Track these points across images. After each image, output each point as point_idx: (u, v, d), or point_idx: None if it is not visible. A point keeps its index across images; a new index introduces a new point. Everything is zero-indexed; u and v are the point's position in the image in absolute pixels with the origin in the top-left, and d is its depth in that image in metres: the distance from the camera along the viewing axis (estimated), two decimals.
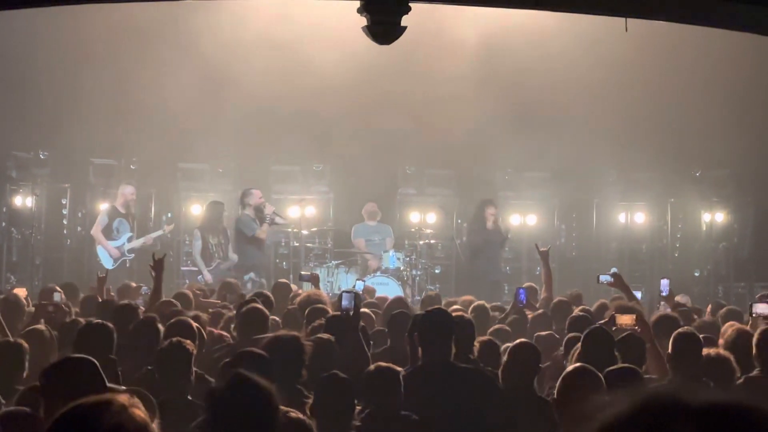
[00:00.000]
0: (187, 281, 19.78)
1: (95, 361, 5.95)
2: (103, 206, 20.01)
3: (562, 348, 9.51)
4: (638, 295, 12.72)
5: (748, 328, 9.55)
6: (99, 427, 3.49)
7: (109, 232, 19.27)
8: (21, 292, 12.93)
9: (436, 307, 8.95)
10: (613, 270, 14.96)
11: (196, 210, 21.35)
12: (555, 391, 6.40)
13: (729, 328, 9.52)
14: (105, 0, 11.49)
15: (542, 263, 14.49)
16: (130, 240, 19.32)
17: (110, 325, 8.31)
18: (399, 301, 12.34)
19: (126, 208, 19.42)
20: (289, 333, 7.89)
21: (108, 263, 19.08)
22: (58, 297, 11.73)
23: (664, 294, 12.84)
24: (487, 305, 12.49)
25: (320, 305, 10.13)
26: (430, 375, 7.44)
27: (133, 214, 19.67)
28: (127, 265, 19.57)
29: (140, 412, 3.59)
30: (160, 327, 8.71)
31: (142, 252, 19.19)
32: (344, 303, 8.99)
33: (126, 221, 19.37)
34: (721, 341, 9.40)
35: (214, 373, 7.56)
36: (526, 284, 14.82)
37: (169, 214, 21.83)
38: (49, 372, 5.85)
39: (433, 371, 7.47)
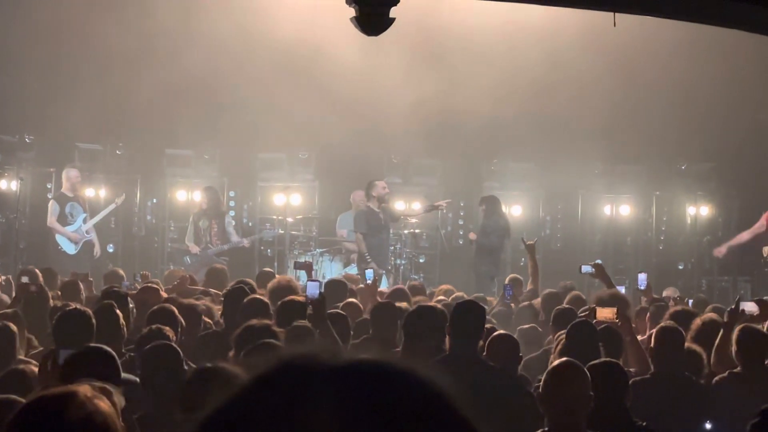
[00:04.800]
0: (171, 266, 19.81)
1: (113, 353, 5.99)
2: (50, 195, 20.19)
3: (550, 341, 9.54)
4: (622, 289, 12.75)
5: (715, 317, 9.65)
6: (65, 419, 3.45)
7: (64, 219, 19.31)
8: None
9: (470, 300, 8.98)
10: (597, 261, 15.03)
11: (182, 196, 21.37)
12: (540, 385, 6.43)
13: (699, 319, 9.60)
14: None
15: (528, 256, 14.49)
16: (85, 221, 19.35)
17: (89, 311, 8.32)
18: (400, 293, 12.40)
19: (73, 191, 19.43)
20: (261, 321, 7.91)
21: (70, 249, 19.16)
22: (33, 279, 11.67)
23: (641, 288, 12.93)
24: (466, 296, 12.55)
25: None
26: (457, 367, 7.49)
27: (83, 195, 19.67)
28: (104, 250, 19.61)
29: (105, 403, 3.56)
30: (119, 312, 8.68)
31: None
32: (309, 292, 8.98)
33: (77, 204, 19.40)
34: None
35: (198, 360, 7.56)
36: (510, 276, 14.83)
37: (154, 200, 21.82)
38: (71, 359, 5.88)
39: (460, 364, 7.52)
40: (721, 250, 19.55)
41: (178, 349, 7.06)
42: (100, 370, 5.54)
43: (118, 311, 8.62)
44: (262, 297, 9.80)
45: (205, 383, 5.21)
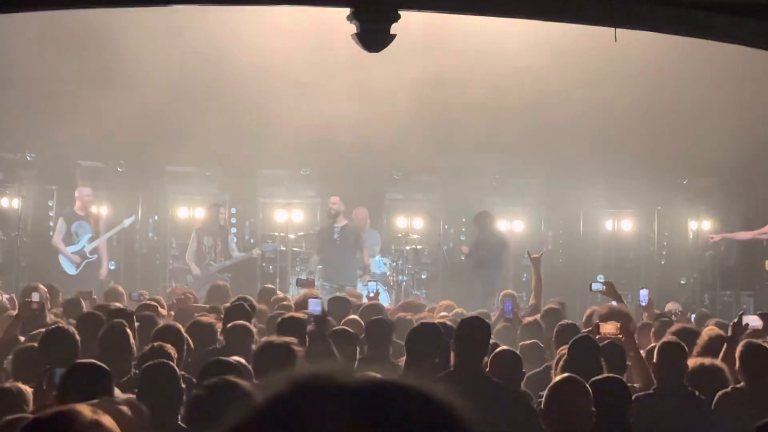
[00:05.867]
0: (173, 283, 19.79)
1: (106, 368, 5.98)
2: (52, 213, 20.19)
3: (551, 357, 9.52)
4: None
5: (721, 332, 9.64)
6: None
7: (69, 238, 19.31)
8: None
9: (476, 316, 8.99)
10: (601, 277, 15.00)
11: (183, 213, 21.37)
12: (542, 401, 6.42)
13: (705, 334, 9.59)
14: (98, 4, 11.47)
15: (533, 270, 14.44)
16: (90, 241, 19.32)
17: (72, 329, 8.33)
18: (375, 308, 12.34)
19: (84, 210, 19.43)
20: (281, 339, 7.84)
21: (70, 269, 19.13)
22: (37, 296, 11.63)
23: (643, 304, 12.90)
24: (466, 312, 12.55)
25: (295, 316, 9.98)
26: (462, 383, 7.46)
27: (94, 214, 19.65)
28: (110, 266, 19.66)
29: (108, 422, 3.54)
30: (129, 332, 8.66)
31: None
32: (311, 308, 8.95)
33: (86, 223, 19.38)
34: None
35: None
36: (504, 291, 14.79)
37: (156, 217, 21.82)
38: (63, 376, 5.87)
39: (464, 379, 7.51)
40: (714, 237, 19.84)
41: (175, 367, 7.03)
42: (92, 386, 5.54)
43: (128, 330, 8.61)
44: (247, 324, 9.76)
45: (216, 399, 5.19)
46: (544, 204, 22.08)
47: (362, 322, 11.22)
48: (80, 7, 11.62)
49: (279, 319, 9.68)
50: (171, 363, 7.08)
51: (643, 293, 13.01)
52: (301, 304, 11.08)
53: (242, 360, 7.10)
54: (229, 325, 9.65)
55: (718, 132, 20.38)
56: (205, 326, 9.87)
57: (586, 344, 8.20)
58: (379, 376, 1.54)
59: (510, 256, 19.82)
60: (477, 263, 19.03)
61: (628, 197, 22.06)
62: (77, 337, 8.24)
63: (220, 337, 10.01)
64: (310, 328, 8.95)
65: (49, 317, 10.99)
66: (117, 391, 6.39)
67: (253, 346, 9.01)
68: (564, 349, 8.37)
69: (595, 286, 12.89)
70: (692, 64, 19.16)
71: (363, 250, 19.44)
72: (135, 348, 8.57)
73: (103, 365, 6.16)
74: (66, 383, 5.90)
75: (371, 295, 14.33)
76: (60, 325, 8.73)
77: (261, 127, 20.34)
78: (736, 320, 9.55)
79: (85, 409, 3.54)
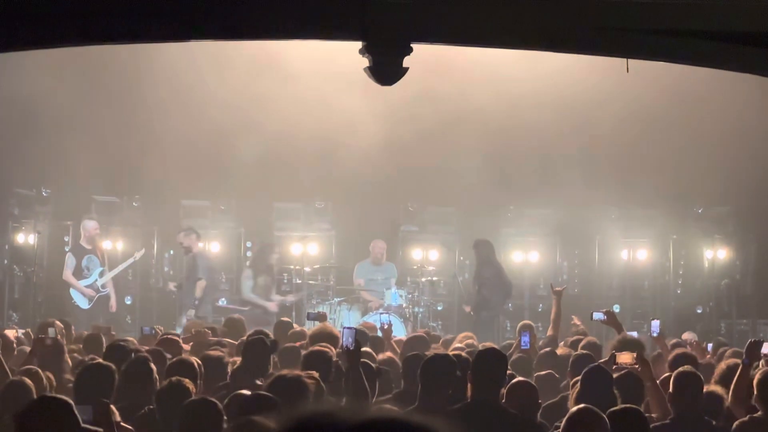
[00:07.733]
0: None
1: (70, 401, 5.99)
2: (68, 248, 20.21)
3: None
4: (634, 334, 12.69)
5: (739, 362, 9.60)
6: None
7: (80, 272, 19.30)
8: (10, 333, 12.99)
9: (493, 347, 8.98)
10: (616, 307, 14.98)
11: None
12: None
13: (724, 363, 9.56)
14: (110, 41, 11.53)
15: (555, 302, 14.34)
16: (101, 275, 19.33)
17: (111, 365, 8.31)
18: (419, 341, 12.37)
19: (91, 243, 19.45)
20: (292, 372, 7.83)
21: (83, 303, 19.14)
22: (53, 332, 11.67)
23: (654, 335, 12.83)
24: (476, 343, 12.57)
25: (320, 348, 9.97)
26: (479, 415, 7.49)
27: (101, 247, 19.65)
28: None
29: None
30: (153, 366, 8.66)
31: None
32: (345, 340, 8.97)
33: (94, 256, 19.39)
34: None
35: None
36: (523, 323, 14.73)
37: (171, 251, 21.83)
38: (25, 413, 5.89)
39: (482, 411, 7.52)
40: None
41: (220, 407, 6.96)
42: (58, 422, 5.57)
43: (152, 365, 8.59)
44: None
45: None
46: (559, 234, 22.04)
47: (375, 356, 11.22)
48: (86, 44, 11.67)
49: (304, 352, 9.69)
50: (218, 403, 7.00)
51: (655, 324, 12.94)
52: (317, 338, 11.06)
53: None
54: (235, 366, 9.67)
55: (733, 160, 20.37)
56: (214, 360, 9.85)
57: (598, 375, 8.18)
58: (395, 410, 1.55)
59: (504, 292, 19.73)
60: (477, 306, 19.26)
61: (642, 226, 22.01)
62: (116, 374, 8.23)
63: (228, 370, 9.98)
64: (341, 360, 8.99)
65: (67, 353, 11.01)
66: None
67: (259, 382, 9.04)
68: (578, 380, 8.36)
69: (596, 316, 12.93)
70: (706, 92, 19.15)
71: (196, 282, 19.45)
72: (157, 382, 8.55)
73: (67, 399, 6.18)
74: (27, 417, 5.91)
75: (385, 327, 14.30)
76: (99, 360, 8.73)
77: (275, 160, 20.39)
78: (750, 341, 9.41)
79: None
